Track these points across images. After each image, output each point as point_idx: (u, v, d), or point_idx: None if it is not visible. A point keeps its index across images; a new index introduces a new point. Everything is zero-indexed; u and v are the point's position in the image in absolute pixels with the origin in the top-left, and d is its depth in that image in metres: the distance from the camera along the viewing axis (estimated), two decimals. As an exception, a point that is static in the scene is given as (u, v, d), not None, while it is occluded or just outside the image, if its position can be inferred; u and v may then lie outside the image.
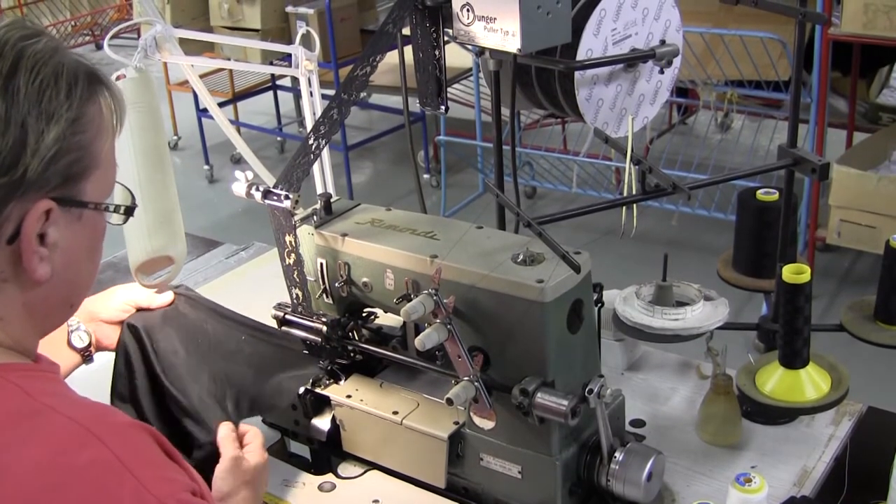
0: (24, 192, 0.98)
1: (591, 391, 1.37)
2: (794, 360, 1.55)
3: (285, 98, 6.45)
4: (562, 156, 4.74)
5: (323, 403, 1.62)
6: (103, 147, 1.06)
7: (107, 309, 1.67)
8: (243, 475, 1.42)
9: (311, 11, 4.96)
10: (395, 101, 6.05)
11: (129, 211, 1.13)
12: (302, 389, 1.61)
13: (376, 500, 1.54)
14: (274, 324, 1.65)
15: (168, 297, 1.70)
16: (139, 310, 1.69)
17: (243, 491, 1.40)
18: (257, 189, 1.54)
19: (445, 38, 1.63)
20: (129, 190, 1.16)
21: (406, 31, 1.63)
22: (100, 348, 1.67)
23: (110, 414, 1.05)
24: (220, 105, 5.61)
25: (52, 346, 1.60)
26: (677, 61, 1.64)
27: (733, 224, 1.87)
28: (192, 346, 1.65)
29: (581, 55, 1.54)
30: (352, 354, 1.62)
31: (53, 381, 1.07)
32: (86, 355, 1.64)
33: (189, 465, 1.07)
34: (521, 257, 1.40)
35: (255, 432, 1.51)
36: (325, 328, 1.57)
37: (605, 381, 1.39)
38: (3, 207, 0.98)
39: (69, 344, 1.63)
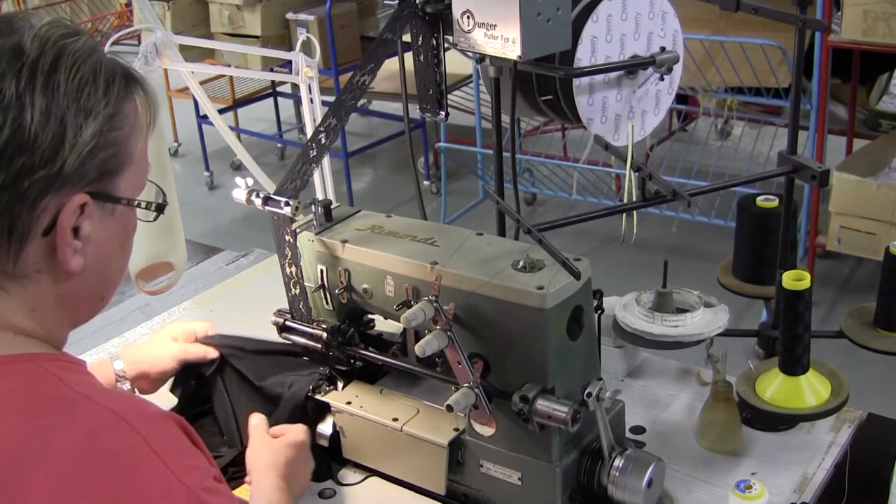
0: (61, 186, 1.00)
1: (589, 394, 1.37)
2: (794, 366, 1.55)
3: (285, 104, 6.46)
4: (562, 162, 4.74)
5: (323, 410, 1.62)
6: (137, 144, 1.08)
7: (155, 364, 1.69)
8: (272, 455, 1.45)
9: (311, 18, 4.96)
10: (395, 107, 6.05)
11: (160, 208, 1.16)
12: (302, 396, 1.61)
13: (376, 507, 1.54)
14: (274, 330, 1.65)
15: (214, 353, 1.70)
16: (187, 366, 1.70)
17: (273, 476, 1.43)
18: (257, 195, 1.54)
19: (445, 45, 1.63)
20: (159, 187, 1.19)
21: (406, 37, 1.63)
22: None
23: (142, 404, 1.07)
24: (221, 111, 5.62)
25: None
26: (678, 69, 1.64)
27: (733, 231, 1.87)
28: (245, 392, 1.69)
29: (580, 62, 1.54)
30: (352, 361, 1.62)
31: (86, 374, 1.09)
32: (119, 378, 1.67)
33: (209, 452, 1.10)
34: (521, 264, 1.40)
35: (287, 427, 1.54)
36: (325, 335, 1.57)
37: (604, 383, 1.39)
38: (40, 200, 1.00)
39: None
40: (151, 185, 1.17)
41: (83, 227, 1.04)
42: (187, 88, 2.05)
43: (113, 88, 1.04)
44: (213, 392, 1.69)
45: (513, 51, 1.46)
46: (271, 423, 1.58)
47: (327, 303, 1.61)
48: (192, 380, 1.71)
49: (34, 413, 0.99)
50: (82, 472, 0.95)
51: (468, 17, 1.50)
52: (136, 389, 1.68)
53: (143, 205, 1.12)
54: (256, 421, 1.55)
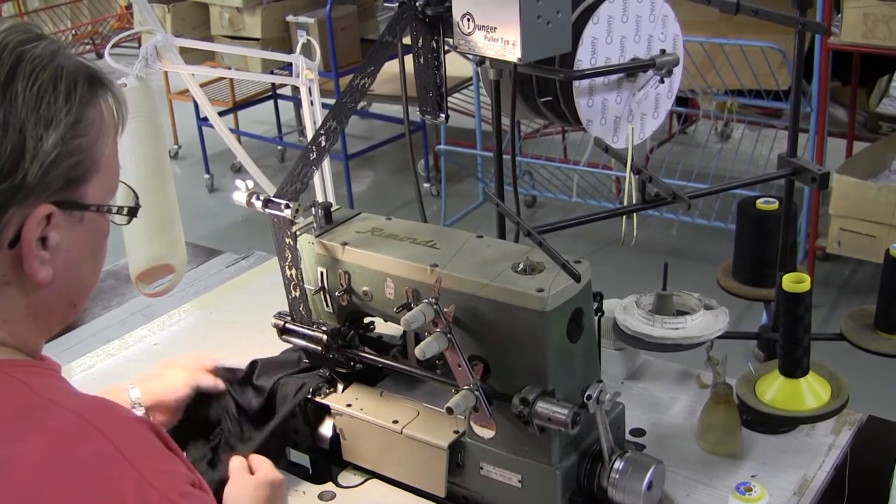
0: (24, 198, 0.98)
1: (589, 397, 1.37)
2: (794, 369, 1.55)
3: (286, 107, 6.46)
4: (562, 165, 4.74)
5: (323, 412, 1.62)
6: (105, 149, 1.06)
7: (168, 391, 1.63)
8: (253, 489, 1.42)
9: (311, 20, 4.97)
10: (395, 110, 6.06)
11: (132, 212, 1.13)
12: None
13: (376, 510, 1.54)
14: (274, 332, 1.65)
15: (222, 386, 1.67)
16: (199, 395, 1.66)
17: None
18: (258, 198, 1.54)
19: (446, 48, 1.63)
20: (132, 190, 1.15)
21: (406, 40, 1.63)
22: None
23: (111, 407, 1.05)
24: (221, 114, 5.62)
25: None
26: (678, 72, 1.64)
27: (733, 233, 1.87)
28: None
29: (580, 65, 1.54)
30: (352, 363, 1.62)
31: (55, 378, 1.08)
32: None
33: (186, 458, 1.08)
34: (521, 266, 1.40)
35: (263, 459, 1.51)
36: (325, 337, 1.57)
37: (604, 386, 1.39)
38: (3, 212, 0.98)
39: None
40: (128, 189, 1.14)
41: (50, 237, 1.01)
42: (187, 91, 2.06)
43: (75, 94, 1.01)
44: (210, 416, 1.66)
45: (513, 53, 1.46)
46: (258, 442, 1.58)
47: (327, 305, 1.61)
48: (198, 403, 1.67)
49: (1, 420, 0.97)
50: (52, 479, 0.94)
51: (468, 20, 1.50)
52: (152, 418, 1.61)
53: (114, 210, 1.09)
54: (236, 465, 1.50)
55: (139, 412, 1.61)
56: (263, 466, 1.48)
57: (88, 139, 1.03)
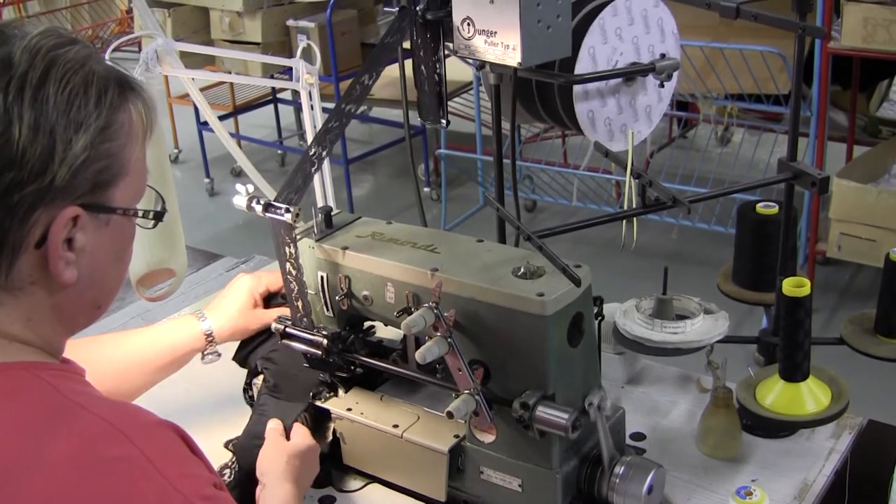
0: (51, 199, 0.99)
1: (591, 404, 1.37)
2: (794, 373, 1.55)
3: (286, 111, 6.47)
4: (562, 169, 4.74)
5: (323, 416, 1.62)
6: (133, 154, 1.07)
7: (233, 300, 1.73)
8: (287, 459, 1.47)
9: (311, 25, 4.97)
10: (395, 114, 6.05)
11: (158, 216, 1.14)
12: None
13: (376, 514, 1.54)
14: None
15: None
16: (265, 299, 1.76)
17: (288, 485, 1.43)
18: (258, 202, 1.54)
19: (446, 52, 1.64)
20: (158, 194, 1.17)
21: (406, 44, 1.64)
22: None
23: (137, 412, 1.06)
24: (221, 118, 5.62)
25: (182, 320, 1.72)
26: (676, 75, 1.65)
27: (733, 237, 1.87)
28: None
29: (580, 69, 1.54)
30: (352, 367, 1.62)
31: (82, 382, 1.09)
32: (209, 339, 1.70)
33: (208, 459, 1.09)
34: (521, 271, 1.40)
35: (301, 428, 1.57)
36: (325, 341, 1.57)
37: (606, 392, 1.39)
38: (31, 213, 0.99)
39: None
40: (151, 191, 1.16)
41: (77, 239, 1.03)
42: (188, 95, 2.06)
43: (105, 99, 1.03)
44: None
45: (513, 58, 1.46)
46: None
47: (328, 309, 1.61)
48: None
49: (29, 422, 0.98)
50: (76, 482, 0.95)
51: (468, 24, 1.50)
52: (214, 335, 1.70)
53: (140, 213, 1.11)
54: (273, 425, 1.55)
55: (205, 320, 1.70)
56: (298, 434, 1.55)
57: (117, 144, 1.04)
